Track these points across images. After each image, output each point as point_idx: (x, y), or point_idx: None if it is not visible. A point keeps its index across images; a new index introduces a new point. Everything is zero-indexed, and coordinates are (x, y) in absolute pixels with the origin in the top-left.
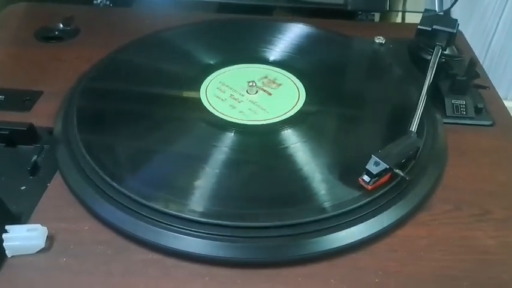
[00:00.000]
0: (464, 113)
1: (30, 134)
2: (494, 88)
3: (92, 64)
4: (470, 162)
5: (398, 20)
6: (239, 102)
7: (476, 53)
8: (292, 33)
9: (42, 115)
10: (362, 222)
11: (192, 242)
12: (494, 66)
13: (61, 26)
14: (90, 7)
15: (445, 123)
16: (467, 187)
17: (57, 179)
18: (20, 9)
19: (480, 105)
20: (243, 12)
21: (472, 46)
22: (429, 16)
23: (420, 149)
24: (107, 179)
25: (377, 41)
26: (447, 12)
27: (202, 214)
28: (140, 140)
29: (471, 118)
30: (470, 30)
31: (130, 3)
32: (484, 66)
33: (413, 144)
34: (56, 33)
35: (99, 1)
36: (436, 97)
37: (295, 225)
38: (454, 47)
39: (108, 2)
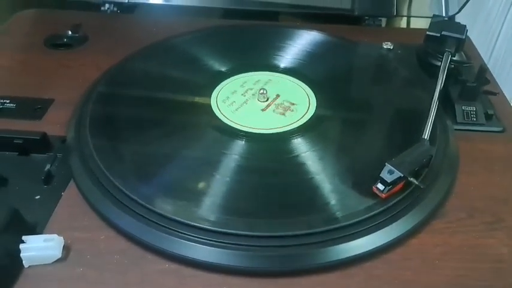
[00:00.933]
0: (475, 119)
1: (43, 143)
2: (504, 94)
3: (101, 71)
4: (482, 169)
5: (403, 25)
6: (250, 110)
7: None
8: (303, 40)
9: (54, 123)
10: (376, 231)
11: (207, 251)
12: (498, 69)
13: (70, 33)
14: (98, 14)
15: (455, 129)
16: (480, 195)
17: (71, 187)
18: (29, 15)
19: (490, 112)
20: (248, 18)
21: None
22: (438, 22)
23: (434, 156)
24: (122, 188)
25: (385, 47)
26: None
27: (217, 223)
28: (154, 148)
29: (481, 124)
30: (475, 33)
31: (132, 9)
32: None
33: (427, 152)
34: (65, 40)
35: (106, 8)
36: (445, 103)
37: (310, 235)
38: (462, 53)
39: (115, 9)
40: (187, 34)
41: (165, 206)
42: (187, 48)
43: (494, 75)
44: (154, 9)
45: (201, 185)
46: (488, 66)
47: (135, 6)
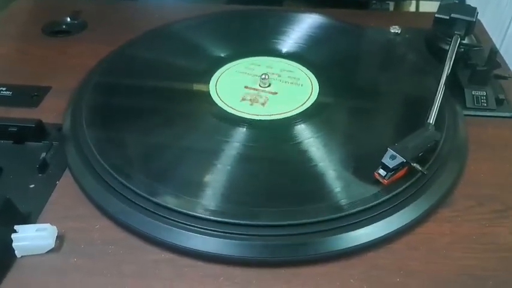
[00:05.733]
0: (485, 104)
1: (38, 131)
2: None
3: (99, 59)
4: (492, 155)
5: (412, 9)
6: (251, 96)
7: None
8: (305, 24)
9: (51, 111)
10: (381, 220)
11: (206, 241)
12: (511, 54)
13: (68, 19)
14: (98, 0)
15: (465, 115)
16: (489, 182)
17: (66, 176)
18: (28, 3)
19: (501, 96)
20: (252, 3)
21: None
22: (447, 4)
23: (441, 142)
24: (117, 176)
25: (392, 31)
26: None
27: (216, 212)
28: (151, 136)
29: (492, 110)
30: (487, 18)
31: None
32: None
33: (431, 137)
34: (64, 27)
35: None
36: (455, 88)
37: (312, 224)
38: (472, 36)
39: None
40: (185, 20)
41: (163, 195)
42: (186, 34)
43: (506, 61)
44: None
45: (200, 173)
46: (500, 49)
47: None
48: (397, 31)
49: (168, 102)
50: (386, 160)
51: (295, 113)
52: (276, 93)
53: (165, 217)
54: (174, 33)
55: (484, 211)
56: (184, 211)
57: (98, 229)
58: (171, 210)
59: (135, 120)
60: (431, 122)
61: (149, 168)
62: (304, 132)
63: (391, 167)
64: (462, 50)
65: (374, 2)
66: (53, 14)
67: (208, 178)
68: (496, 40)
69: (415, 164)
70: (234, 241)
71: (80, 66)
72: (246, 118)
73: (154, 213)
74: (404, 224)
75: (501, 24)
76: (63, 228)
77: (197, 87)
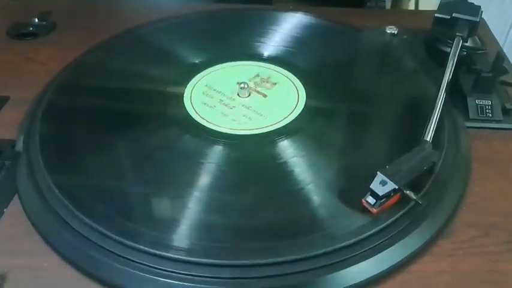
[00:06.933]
0: (490, 115)
1: None
2: None
3: (66, 64)
4: (498, 174)
5: (412, 6)
6: (230, 108)
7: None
8: (289, 25)
9: (6, 125)
10: (369, 258)
11: (172, 286)
12: None
13: (36, 20)
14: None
15: (468, 127)
16: (495, 207)
17: (15, 203)
18: None
19: (508, 106)
20: (242, 1)
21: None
22: (448, 2)
23: (440, 162)
24: (72, 208)
25: (389, 32)
26: None
27: (182, 251)
28: (113, 161)
29: (498, 121)
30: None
31: None
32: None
33: (428, 158)
34: (31, 29)
35: None
36: (457, 96)
37: (284, 263)
38: (476, 38)
39: None
40: (157, 22)
41: (122, 231)
42: (157, 38)
43: (510, 59)
44: None
45: (166, 205)
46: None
47: None
48: (393, 32)
49: (135, 119)
50: (375, 186)
51: (279, 126)
52: (257, 104)
53: (125, 257)
54: (141, 38)
55: (489, 242)
56: (151, 251)
57: (46, 267)
58: (134, 249)
59: (95, 142)
60: (428, 139)
61: (109, 200)
62: (287, 151)
63: (381, 194)
64: (465, 53)
65: None
66: (21, 14)
67: (180, 209)
68: (500, 38)
69: (408, 192)
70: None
71: (43, 72)
72: (223, 133)
73: (112, 252)
74: (398, 261)
75: (505, 21)
76: (6, 266)
77: (170, 101)
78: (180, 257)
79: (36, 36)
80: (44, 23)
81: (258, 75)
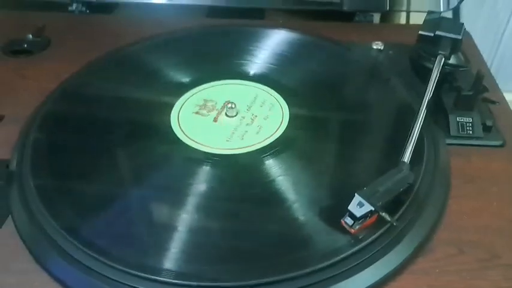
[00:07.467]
0: (471, 132)
1: None
2: (505, 100)
3: (60, 81)
4: (477, 191)
5: (403, 20)
6: (217, 126)
7: (486, 50)
8: (272, 42)
9: (1, 143)
10: (346, 279)
11: None
12: (506, 62)
13: (30, 37)
14: (64, 14)
15: (448, 144)
16: (473, 224)
17: (9, 224)
18: None
19: (489, 123)
20: (234, 16)
21: (481, 42)
22: (432, 20)
23: (419, 181)
24: (62, 231)
25: (375, 47)
26: (457, 7)
27: (174, 274)
28: (105, 185)
29: (478, 138)
30: (480, 25)
31: (110, 9)
32: (494, 64)
33: (405, 179)
34: (25, 46)
35: (74, 7)
36: (439, 113)
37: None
38: (460, 54)
39: (84, 9)
40: (139, 43)
41: (112, 254)
42: (140, 59)
43: (501, 69)
44: (135, 9)
45: (155, 229)
46: (494, 59)
47: (109, 6)
48: (379, 47)
49: (125, 141)
50: (353, 207)
51: (260, 147)
52: (242, 123)
53: (115, 280)
54: (128, 58)
55: (465, 260)
56: (137, 273)
57: (37, 287)
58: (123, 272)
59: (86, 165)
60: (405, 160)
61: (99, 222)
62: (266, 172)
63: (358, 215)
64: (447, 70)
65: (357, 13)
66: (15, 29)
67: (170, 232)
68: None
69: (384, 214)
70: None
71: (38, 90)
72: (211, 153)
73: (102, 274)
74: (376, 280)
75: (495, 31)
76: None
77: (158, 121)
78: (170, 280)
79: (30, 53)
80: (39, 39)
81: (244, 94)
